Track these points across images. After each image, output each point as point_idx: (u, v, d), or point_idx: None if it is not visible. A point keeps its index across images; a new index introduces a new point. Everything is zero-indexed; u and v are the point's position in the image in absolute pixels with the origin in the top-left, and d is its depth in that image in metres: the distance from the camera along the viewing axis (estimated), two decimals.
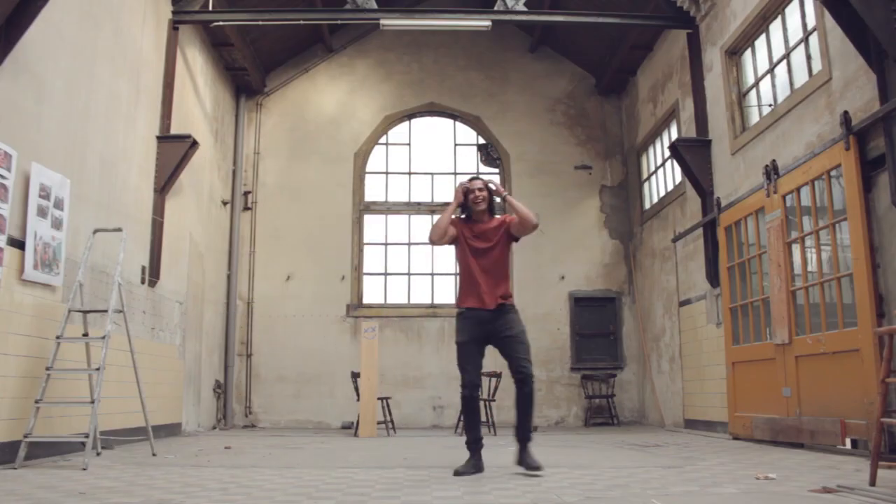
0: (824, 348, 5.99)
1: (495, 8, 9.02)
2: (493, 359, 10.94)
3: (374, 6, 8.97)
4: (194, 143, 8.34)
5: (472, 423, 4.63)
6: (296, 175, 11.64)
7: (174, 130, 8.40)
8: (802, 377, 6.32)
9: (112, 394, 6.60)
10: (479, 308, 4.58)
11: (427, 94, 12.09)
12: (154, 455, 5.85)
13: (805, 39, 6.68)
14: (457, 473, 4.42)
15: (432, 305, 11.41)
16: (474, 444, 4.58)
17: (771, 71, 7.38)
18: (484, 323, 4.58)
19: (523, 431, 4.53)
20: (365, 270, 11.61)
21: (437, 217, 11.15)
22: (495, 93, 12.13)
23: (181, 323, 8.86)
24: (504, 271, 4.72)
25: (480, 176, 5.02)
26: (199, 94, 9.71)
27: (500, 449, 6.48)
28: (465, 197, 4.77)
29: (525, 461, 4.48)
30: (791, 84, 6.93)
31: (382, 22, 8.93)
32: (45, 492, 3.75)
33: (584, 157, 11.93)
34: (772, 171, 6.87)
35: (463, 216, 4.84)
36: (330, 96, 12.01)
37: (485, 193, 4.76)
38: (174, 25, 8.62)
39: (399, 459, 5.48)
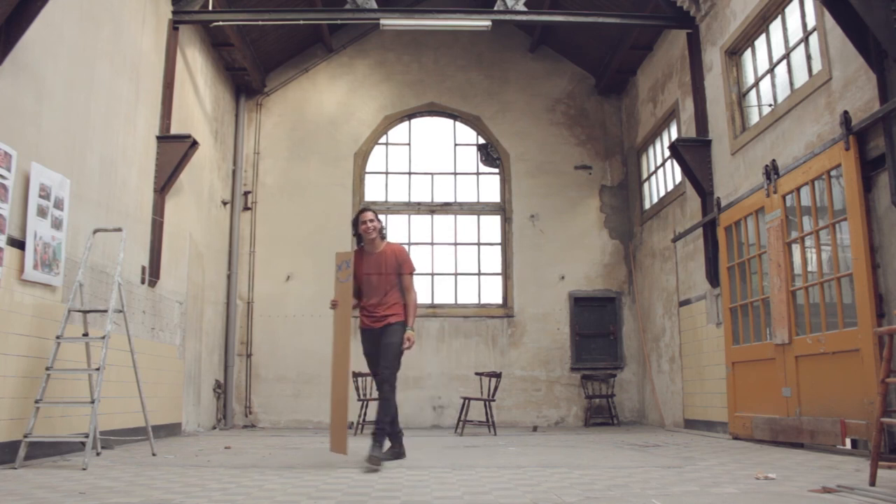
0: (824, 348, 5.99)
1: (495, 8, 9.03)
2: (493, 359, 11.00)
3: (374, 6, 8.98)
4: (194, 143, 8.34)
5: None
6: (296, 175, 11.64)
7: (174, 130, 8.41)
8: (802, 377, 6.33)
9: (112, 394, 6.61)
10: (369, 328, 5.35)
11: (427, 94, 12.09)
12: (154, 455, 5.85)
13: (805, 39, 6.68)
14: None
15: (432, 305, 11.40)
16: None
17: (771, 71, 7.37)
18: (375, 338, 5.31)
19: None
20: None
21: (437, 216, 11.10)
22: (495, 93, 12.13)
23: (181, 323, 8.86)
24: (389, 290, 5.34)
25: (369, 207, 5.54)
26: (199, 94, 9.71)
27: (499, 448, 6.49)
28: (357, 227, 5.38)
29: (370, 454, 4.78)
30: (791, 84, 6.93)
31: (382, 22, 8.94)
32: (45, 492, 3.76)
33: (583, 157, 11.94)
34: (772, 171, 6.88)
35: (360, 245, 5.50)
36: (330, 96, 12.01)
37: (375, 224, 5.35)
38: (174, 25, 8.63)
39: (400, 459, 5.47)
